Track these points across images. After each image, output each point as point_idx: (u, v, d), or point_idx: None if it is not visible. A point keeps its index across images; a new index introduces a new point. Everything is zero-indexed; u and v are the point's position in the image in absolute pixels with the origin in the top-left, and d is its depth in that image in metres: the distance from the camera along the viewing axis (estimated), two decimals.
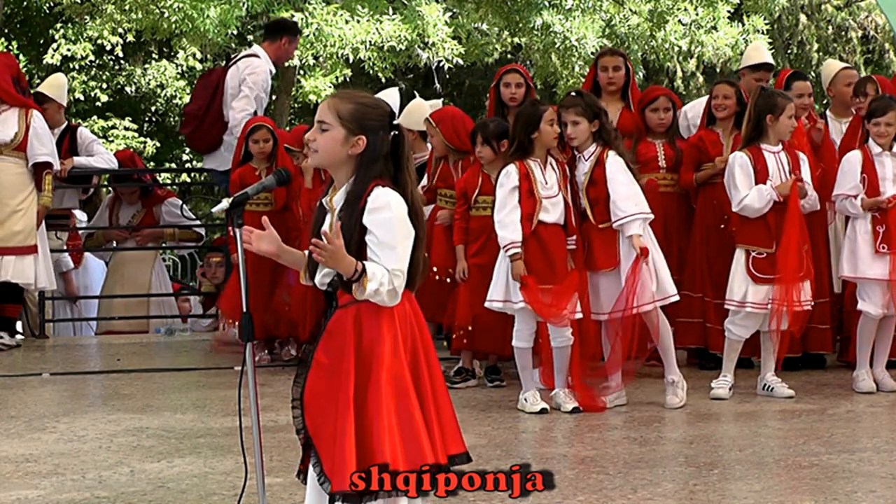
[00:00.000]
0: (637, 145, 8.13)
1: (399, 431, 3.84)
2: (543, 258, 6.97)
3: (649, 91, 8.48)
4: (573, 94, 7.33)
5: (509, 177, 6.99)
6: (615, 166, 7.02)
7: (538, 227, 6.98)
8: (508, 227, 6.96)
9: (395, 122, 3.96)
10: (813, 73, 19.76)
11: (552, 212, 7.02)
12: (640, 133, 8.22)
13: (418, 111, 8.50)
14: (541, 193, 6.98)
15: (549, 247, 6.99)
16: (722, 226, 7.82)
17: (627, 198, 6.98)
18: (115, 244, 10.89)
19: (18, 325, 10.51)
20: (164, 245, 11.31)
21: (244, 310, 4.11)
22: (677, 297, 7.18)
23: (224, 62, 9.95)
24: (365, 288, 3.80)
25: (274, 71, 9.81)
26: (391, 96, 9.14)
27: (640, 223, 6.99)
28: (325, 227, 3.94)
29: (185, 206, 11.05)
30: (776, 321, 7.24)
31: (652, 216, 7.09)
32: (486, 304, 7.16)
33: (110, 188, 11.06)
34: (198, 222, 11.44)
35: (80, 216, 11.22)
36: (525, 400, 7.05)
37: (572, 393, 7.08)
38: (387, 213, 3.83)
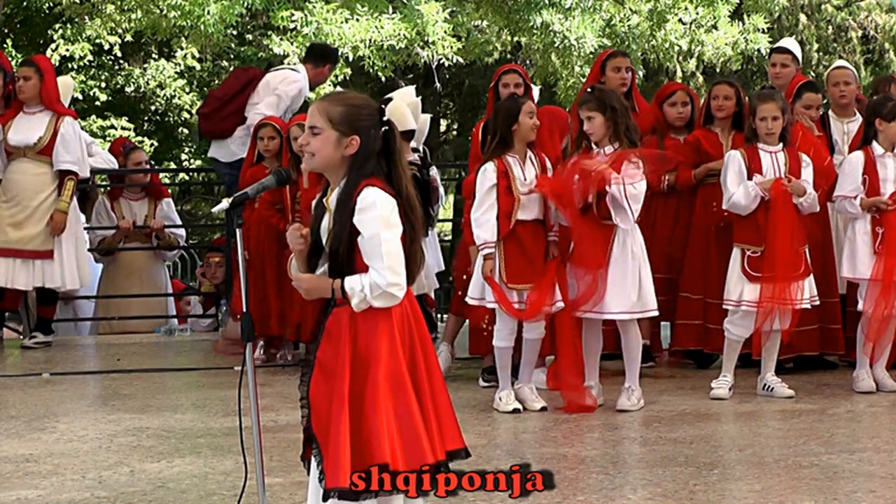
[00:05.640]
0: (663, 141, 8.12)
1: (398, 430, 3.85)
2: (522, 257, 6.95)
3: (666, 86, 8.51)
4: (588, 90, 7.30)
5: (486, 175, 6.98)
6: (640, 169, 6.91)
7: (516, 226, 6.95)
8: (483, 225, 6.95)
9: (385, 118, 3.97)
10: (812, 73, 19.78)
11: (530, 208, 6.99)
12: (664, 129, 8.20)
13: (399, 112, 8.30)
14: (519, 190, 6.97)
15: (528, 245, 6.96)
16: (722, 224, 7.78)
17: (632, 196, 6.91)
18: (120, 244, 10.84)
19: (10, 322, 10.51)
20: (181, 245, 11.32)
21: (244, 310, 4.12)
22: (656, 313, 7.15)
23: (266, 67, 10.13)
24: (351, 303, 3.85)
25: (308, 93, 9.88)
26: (408, 94, 9.11)
27: (628, 216, 6.89)
28: (324, 228, 3.95)
29: (172, 206, 11.10)
30: (769, 321, 7.23)
31: (631, 219, 6.94)
32: (466, 299, 7.18)
33: (105, 188, 11.03)
34: (181, 224, 11.41)
35: (80, 217, 11.18)
36: (500, 399, 7.05)
37: (545, 392, 7.08)
38: (373, 212, 3.85)
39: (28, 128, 9.29)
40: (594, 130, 7.03)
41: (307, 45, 14.32)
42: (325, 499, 3.83)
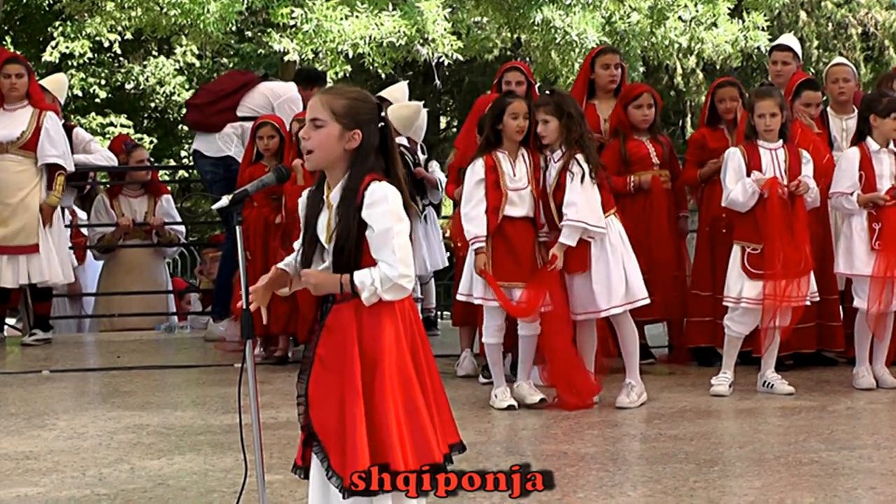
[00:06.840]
0: (626, 143, 8.09)
1: (406, 425, 3.85)
2: (509, 254, 6.94)
3: (632, 88, 8.41)
4: (547, 92, 7.32)
5: (475, 170, 6.98)
6: (574, 179, 6.89)
7: (504, 223, 6.94)
8: (474, 220, 6.93)
9: (382, 114, 3.97)
10: (812, 70, 19.77)
11: (519, 205, 6.98)
12: (627, 130, 8.15)
13: None
14: (508, 186, 6.95)
15: (515, 242, 6.96)
16: (724, 230, 7.77)
17: (570, 204, 6.88)
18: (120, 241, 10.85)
19: (18, 323, 10.52)
20: (181, 242, 11.34)
21: (244, 307, 4.11)
22: (647, 301, 7.11)
23: (263, 76, 10.18)
24: (361, 297, 3.85)
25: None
26: (401, 90, 9.09)
27: (570, 231, 6.87)
28: (322, 224, 3.95)
29: (172, 203, 11.12)
30: (769, 318, 7.23)
31: (603, 231, 6.92)
32: (457, 297, 7.20)
33: (105, 185, 11.04)
34: (180, 221, 11.42)
35: (81, 214, 11.21)
36: (495, 396, 7.05)
37: (542, 387, 7.08)
38: (384, 206, 3.84)
39: (9, 123, 9.26)
40: (547, 134, 7.01)
41: (306, 41, 14.33)
42: (345, 496, 3.82)
